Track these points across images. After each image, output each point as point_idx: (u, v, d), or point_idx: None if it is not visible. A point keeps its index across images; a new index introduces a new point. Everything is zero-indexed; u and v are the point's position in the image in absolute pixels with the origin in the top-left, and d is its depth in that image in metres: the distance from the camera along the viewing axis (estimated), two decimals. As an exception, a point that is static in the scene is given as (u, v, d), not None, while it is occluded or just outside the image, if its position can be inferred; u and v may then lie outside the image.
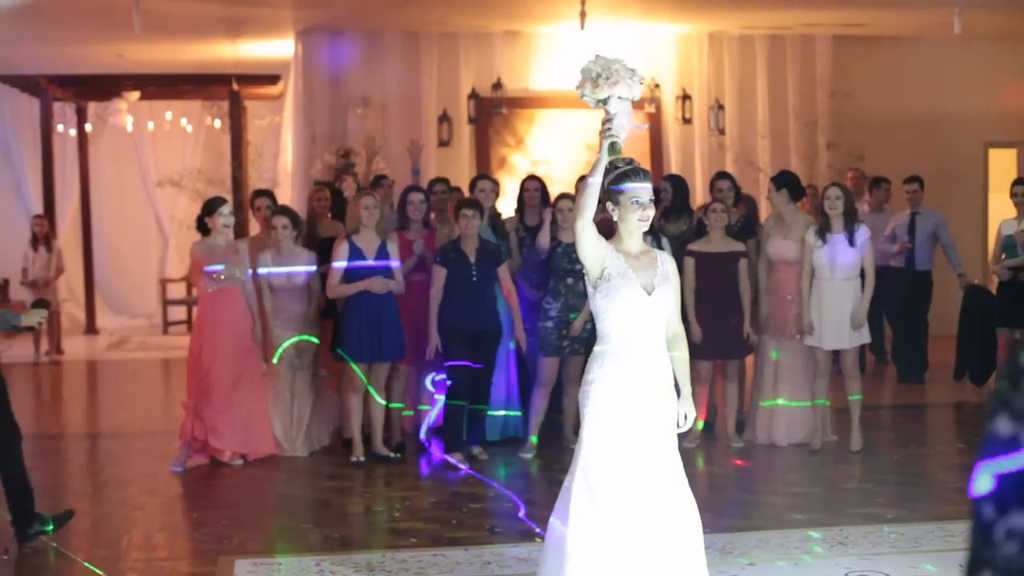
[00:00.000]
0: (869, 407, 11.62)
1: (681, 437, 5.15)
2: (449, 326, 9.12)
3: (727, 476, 9.05)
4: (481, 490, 8.40)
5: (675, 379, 5.12)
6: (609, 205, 5.09)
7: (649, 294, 4.98)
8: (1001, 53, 16.49)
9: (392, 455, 9.33)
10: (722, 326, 9.54)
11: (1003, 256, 11.21)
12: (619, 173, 5.03)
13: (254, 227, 11.95)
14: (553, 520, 5.03)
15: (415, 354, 9.49)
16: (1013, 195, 11.35)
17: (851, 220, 9.34)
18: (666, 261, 5.13)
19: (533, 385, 9.46)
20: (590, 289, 5.07)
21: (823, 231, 9.32)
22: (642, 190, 5.02)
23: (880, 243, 12.84)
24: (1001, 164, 16.81)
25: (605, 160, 4.93)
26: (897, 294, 12.73)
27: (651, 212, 5.07)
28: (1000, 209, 12.50)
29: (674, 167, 15.37)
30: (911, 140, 15.98)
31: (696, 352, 9.61)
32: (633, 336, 4.97)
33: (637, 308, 4.96)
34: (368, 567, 6.56)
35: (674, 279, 5.11)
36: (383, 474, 8.98)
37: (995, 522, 1.83)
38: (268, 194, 10.65)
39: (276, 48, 16.29)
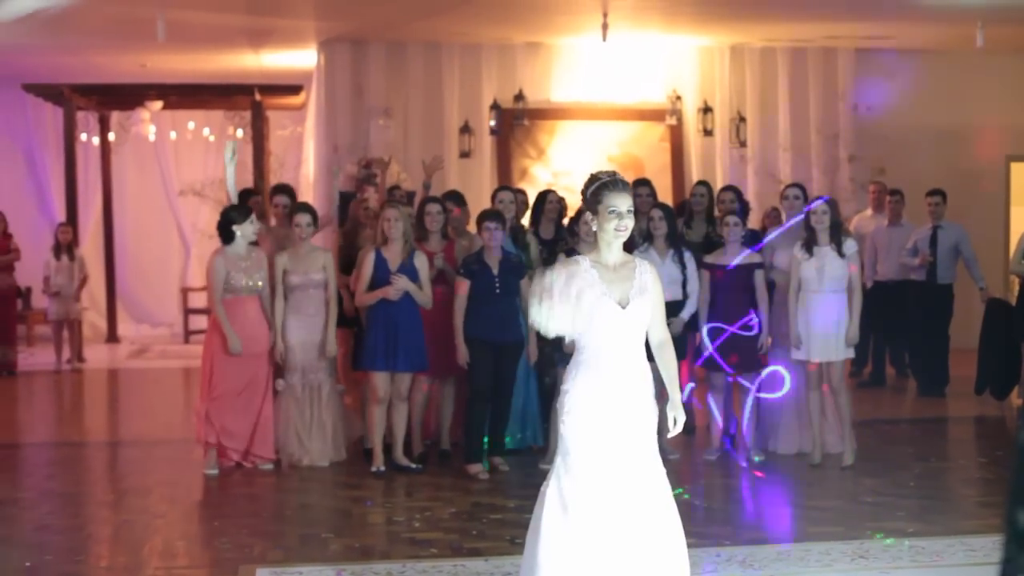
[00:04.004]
0: (889, 421, 11.65)
1: (672, 446, 5.18)
2: (472, 337, 9.13)
3: (747, 488, 9.04)
4: (501, 501, 8.40)
5: (666, 384, 5.19)
6: (588, 216, 5.19)
7: (623, 308, 5.02)
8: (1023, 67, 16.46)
9: (413, 465, 9.35)
10: (737, 339, 9.54)
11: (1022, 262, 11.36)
12: (599, 184, 5.12)
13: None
14: (531, 526, 5.09)
15: (435, 364, 9.50)
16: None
17: (837, 232, 9.35)
18: (646, 271, 5.15)
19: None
20: None
21: (809, 245, 9.34)
22: (620, 200, 5.07)
23: (901, 256, 12.83)
24: (1023, 178, 16.77)
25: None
26: (918, 307, 12.72)
27: (629, 222, 5.10)
28: (1022, 222, 12.48)
29: (695, 179, 15.37)
30: (933, 153, 15.95)
31: (711, 364, 9.67)
32: (608, 348, 5.04)
33: (611, 322, 5.02)
34: (388, 577, 6.57)
35: (653, 289, 5.13)
36: (404, 484, 8.99)
37: None
38: (287, 191, 10.74)
39: (299, 58, 16.35)
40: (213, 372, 9.40)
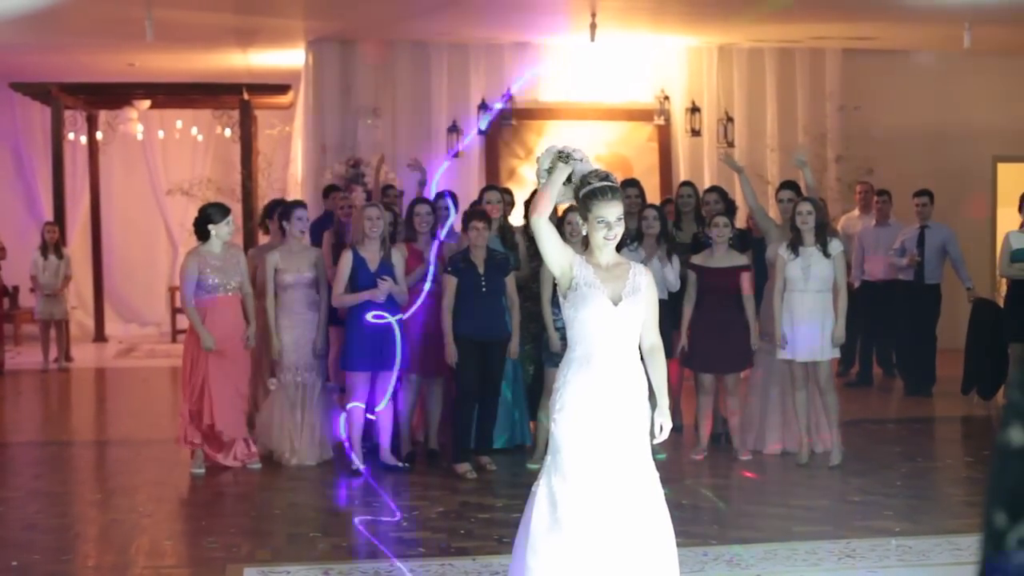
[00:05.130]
0: (876, 420, 11.68)
1: (660, 446, 5.18)
2: (458, 336, 9.13)
3: (734, 488, 9.06)
4: (489, 500, 8.41)
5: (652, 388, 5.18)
6: (578, 219, 5.18)
7: (615, 304, 5.03)
8: (1010, 67, 16.50)
9: (401, 464, 9.35)
10: (723, 340, 9.56)
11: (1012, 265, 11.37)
12: (588, 192, 5.09)
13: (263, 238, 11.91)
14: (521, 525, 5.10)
15: (422, 364, 9.50)
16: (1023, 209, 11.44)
17: (823, 233, 9.36)
18: (639, 273, 5.16)
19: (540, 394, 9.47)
20: (561, 299, 5.15)
21: (794, 245, 9.35)
22: (608, 211, 5.07)
23: (889, 256, 12.86)
24: (1010, 178, 16.81)
25: (558, 177, 5.05)
26: (906, 307, 12.75)
27: (618, 231, 5.12)
28: (1009, 223, 12.52)
29: (683, 180, 15.38)
30: (920, 154, 15.98)
31: (697, 365, 9.69)
32: (600, 345, 5.03)
33: (603, 318, 5.02)
34: (376, 576, 6.58)
35: (647, 292, 5.13)
36: (391, 483, 8.99)
37: (1007, 531, 1.84)
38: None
39: (287, 58, 16.34)
40: (196, 375, 9.34)
